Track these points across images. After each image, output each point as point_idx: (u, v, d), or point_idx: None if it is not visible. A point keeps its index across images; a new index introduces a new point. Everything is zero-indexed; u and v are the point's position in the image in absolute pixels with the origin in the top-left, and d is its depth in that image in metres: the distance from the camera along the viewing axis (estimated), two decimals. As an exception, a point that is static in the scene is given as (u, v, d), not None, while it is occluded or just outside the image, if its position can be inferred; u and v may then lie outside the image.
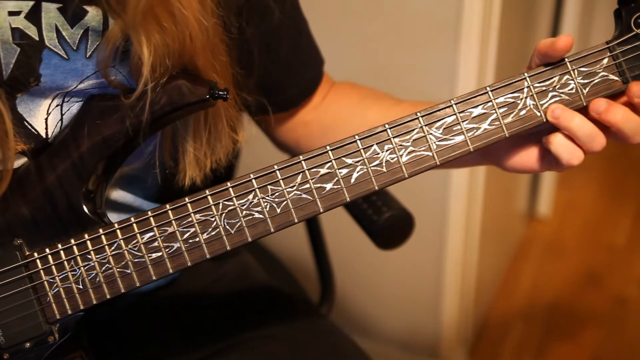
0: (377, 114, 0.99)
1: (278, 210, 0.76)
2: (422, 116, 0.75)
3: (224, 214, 0.76)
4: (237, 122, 0.89)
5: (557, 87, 0.75)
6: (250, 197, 0.76)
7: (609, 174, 3.13)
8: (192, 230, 0.76)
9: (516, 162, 0.83)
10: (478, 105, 0.75)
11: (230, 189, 0.76)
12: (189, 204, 0.76)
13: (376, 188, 0.76)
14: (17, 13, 0.74)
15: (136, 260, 0.77)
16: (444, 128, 0.75)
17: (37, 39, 0.75)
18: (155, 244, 0.77)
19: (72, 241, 0.77)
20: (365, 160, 0.75)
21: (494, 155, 0.85)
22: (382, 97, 1.03)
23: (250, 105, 0.95)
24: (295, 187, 0.76)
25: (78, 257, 0.77)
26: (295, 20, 0.98)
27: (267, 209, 0.76)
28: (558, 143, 0.76)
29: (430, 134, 0.75)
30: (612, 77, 0.75)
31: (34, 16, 0.74)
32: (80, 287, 0.77)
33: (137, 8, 0.71)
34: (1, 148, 0.75)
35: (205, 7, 0.77)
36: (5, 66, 0.75)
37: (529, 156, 0.82)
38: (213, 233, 0.76)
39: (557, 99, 0.75)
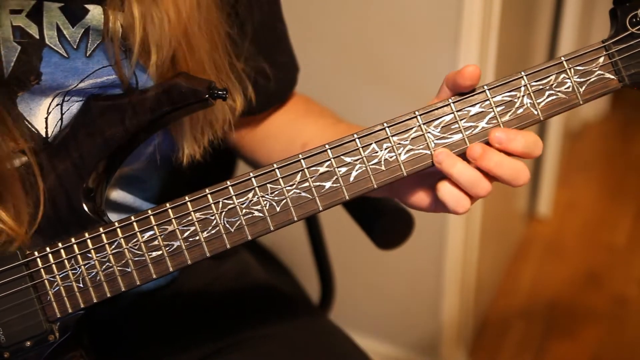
0: (313, 130, 0.99)
1: (277, 209, 0.76)
2: (420, 115, 0.75)
3: (223, 213, 0.76)
4: (233, 88, 0.90)
5: (554, 85, 0.75)
6: (250, 195, 0.76)
7: (609, 174, 3.13)
8: (192, 228, 0.76)
9: (413, 199, 0.82)
10: (476, 104, 0.75)
11: (230, 187, 0.76)
12: (188, 203, 0.76)
13: (375, 186, 0.76)
14: (19, 11, 0.74)
15: (136, 258, 0.77)
16: (442, 126, 0.75)
17: (37, 37, 0.75)
18: (156, 242, 0.77)
19: (73, 240, 0.77)
20: (364, 158, 0.76)
21: (395, 190, 0.84)
22: (324, 115, 1.04)
23: (250, 76, 0.96)
24: (294, 186, 0.76)
25: (78, 256, 0.77)
26: (280, 22, 1.00)
27: (267, 208, 0.76)
28: (444, 190, 0.75)
29: (429, 132, 0.75)
30: (608, 75, 0.75)
31: (35, 15, 0.75)
32: (81, 285, 0.77)
33: None
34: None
35: None
36: (6, 64, 0.75)
37: (425, 196, 0.81)
38: (213, 231, 0.76)
39: (554, 97, 0.75)
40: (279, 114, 1.03)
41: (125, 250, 0.77)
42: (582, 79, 0.75)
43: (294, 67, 1.04)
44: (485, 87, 0.75)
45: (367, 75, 1.73)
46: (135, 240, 0.77)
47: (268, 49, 0.96)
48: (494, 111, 0.75)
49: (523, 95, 0.75)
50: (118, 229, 0.77)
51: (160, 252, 0.77)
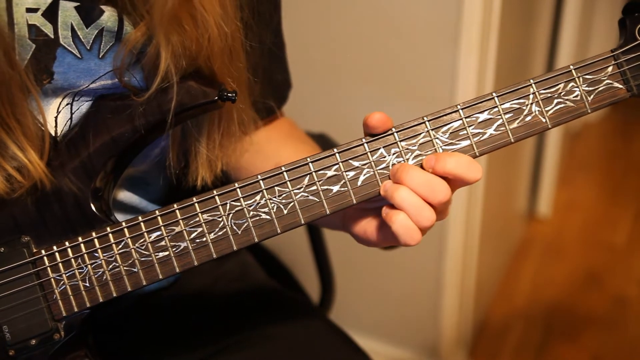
0: (291, 154, 0.97)
1: (285, 212, 0.77)
2: (428, 120, 0.75)
3: (231, 214, 0.76)
4: (250, 126, 0.90)
5: (562, 94, 0.75)
6: (258, 197, 0.76)
7: (609, 174, 3.13)
8: (199, 230, 0.77)
9: (360, 231, 0.81)
10: (484, 111, 0.75)
11: (238, 189, 0.76)
12: (196, 204, 0.76)
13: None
14: (35, 10, 0.74)
15: (143, 259, 0.77)
16: (450, 132, 0.76)
17: (52, 36, 0.75)
18: (163, 243, 0.77)
19: (80, 239, 0.77)
20: (372, 163, 0.76)
21: (346, 222, 0.84)
22: (304, 142, 1.03)
23: (260, 110, 0.96)
24: (302, 189, 0.76)
25: (85, 255, 0.77)
26: (281, 40, 1.00)
27: (274, 210, 0.76)
28: (399, 221, 0.73)
29: (437, 138, 0.76)
30: (616, 85, 0.76)
31: (51, 14, 0.75)
32: (87, 284, 0.78)
33: (163, 11, 0.72)
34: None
35: (226, 12, 0.77)
36: (20, 62, 0.75)
37: (371, 228, 0.80)
38: (220, 233, 0.77)
39: (562, 105, 0.76)
40: (263, 130, 1.01)
41: (132, 250, 0.77)
42: (590, 88, 0.75)
43: (287, 84, 1.04)
44: (494, 94, 0.75)
45: (367, 75, 1.73)
46: (142, 240, 0.77)
47: (267, 67, 0.96)
48: (502, 118, 0.75)
49: (531, 103, 0.75)
50: (125, 229, 0.77)
51: (167, 253, 0.77)
